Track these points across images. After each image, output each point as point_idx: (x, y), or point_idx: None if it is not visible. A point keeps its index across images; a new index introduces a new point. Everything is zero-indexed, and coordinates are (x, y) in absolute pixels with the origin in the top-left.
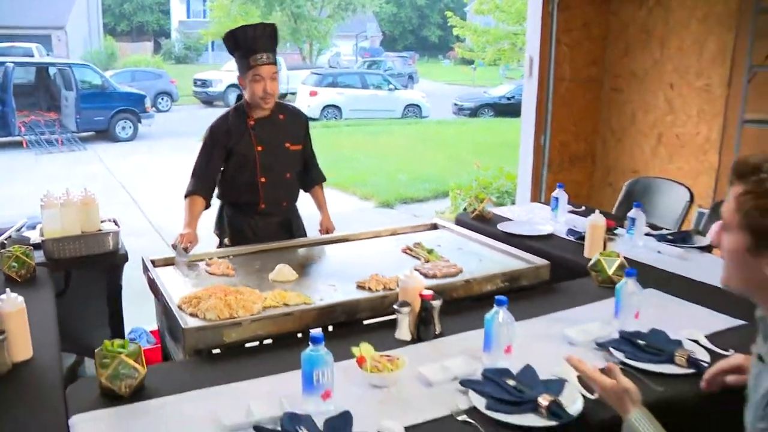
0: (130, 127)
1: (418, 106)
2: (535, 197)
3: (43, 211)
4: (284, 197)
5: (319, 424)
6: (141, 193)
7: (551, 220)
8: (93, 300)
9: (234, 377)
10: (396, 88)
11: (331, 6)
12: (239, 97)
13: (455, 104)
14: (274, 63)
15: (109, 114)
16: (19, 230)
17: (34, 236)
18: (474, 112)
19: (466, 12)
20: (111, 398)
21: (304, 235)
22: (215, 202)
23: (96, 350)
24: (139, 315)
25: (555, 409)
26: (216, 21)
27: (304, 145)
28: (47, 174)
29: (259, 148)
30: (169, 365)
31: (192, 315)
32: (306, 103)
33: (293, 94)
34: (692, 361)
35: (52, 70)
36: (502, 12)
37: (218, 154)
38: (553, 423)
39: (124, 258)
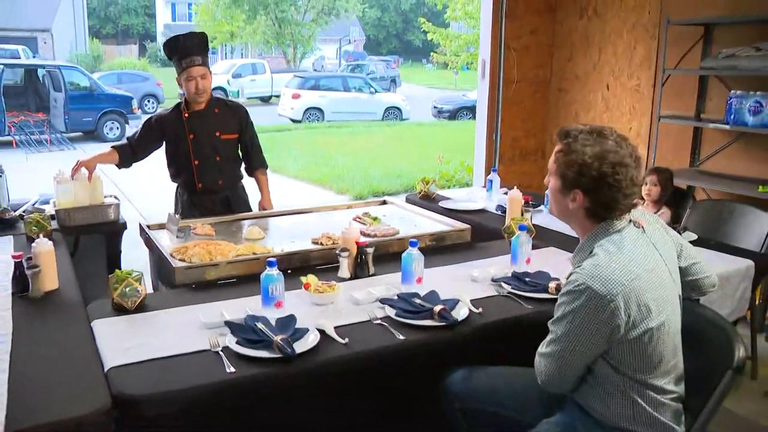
0: (118, 128)
1: (398, 108)
2: None
3: (57, 186)
4: (218, 177)
5: (272, 322)
6: (130, 187)
7: (486, 199)
8: (97, 263)
9: (212, 300)
10: (377, 91)
11: (314, 10)
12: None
13: (435, 107)
14: (203, 65)
15: (97, 115)
16: (33, 204)
17: (47, 209)
18: (453, 115)
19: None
20: (120, 311)
21: (248, 210)
22: (172, 186)
23: (109, 275)
24: None
25: (444, 314)
26: (201, 24)
27: (242, 135)
28: (38, 170)
29: (191, 136)
30: (163, 293)
31: (180, 260)
32: (289, 105)
33: (277, 96)
34: (560, 289)
35: (40, 72)
36: (471, 18)
37: (149, 136)
38: (441, 323)
39: (124, 226)
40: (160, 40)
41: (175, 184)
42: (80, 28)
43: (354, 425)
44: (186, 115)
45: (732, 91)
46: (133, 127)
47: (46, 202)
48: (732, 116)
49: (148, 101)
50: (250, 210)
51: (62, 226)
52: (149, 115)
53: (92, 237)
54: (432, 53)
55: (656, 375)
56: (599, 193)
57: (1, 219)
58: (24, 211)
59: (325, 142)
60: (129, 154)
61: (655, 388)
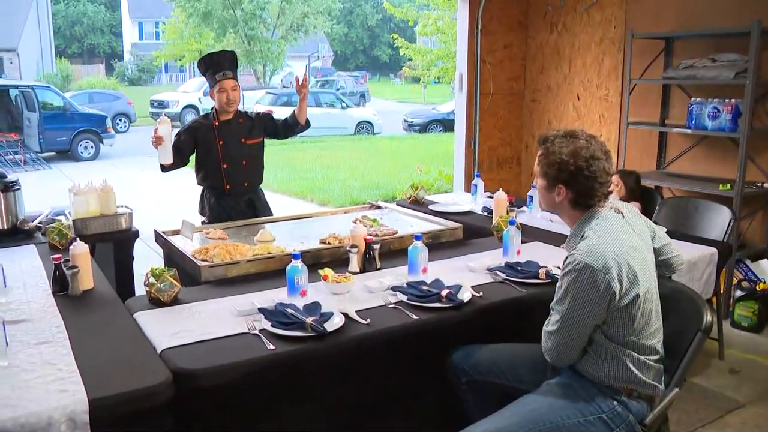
0: (92, 147)
1: (369, 123)
2: None
3: (74, 198)
4: (244, 179)
5: (300, 308)
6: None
7: (472, 202)
8: (111, 269)
9: (236, 293)
10: (348, 106)
11: (283, 27)
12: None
13: (405, 121)
14: (234, 78)
15: (71, 134)
16: (47, 216)
17: (63, 220)
18: (424, 128)
19: (416, 32)
20: (157, 304)
21: (270, 214)
22: (198, 189)
23: (146, 273)
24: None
25: (451, 297)
26: (170, 43)
27: (271, 125)
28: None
29: (221, 142)
30: (193, 288)
31: (203, 260)
32: None
33: None
34: (549, 276)
35: (12, 92)
36: (443, 33)
37: (185, 141)
38: (448, 305)
39: (136, 234)
40: (128, 59)
41: (201, 188)
42: (46, 47)
43: (373, 396)
44: (216, 123)
45: (692, 99)
46: (107, 146)
47: (60, 214)
48: (693, 121)
49: (120, 120)
50: (271, 212)
51: (80, 235)
52: (178, 129)
53: (107, 244)
54: (403, 67)
55: (644, 335)
56: (578, 184)
57: (21, 229)
58: (40, 223)
59: (300, 157)
60: (177, 158)
61: (642, 348)
